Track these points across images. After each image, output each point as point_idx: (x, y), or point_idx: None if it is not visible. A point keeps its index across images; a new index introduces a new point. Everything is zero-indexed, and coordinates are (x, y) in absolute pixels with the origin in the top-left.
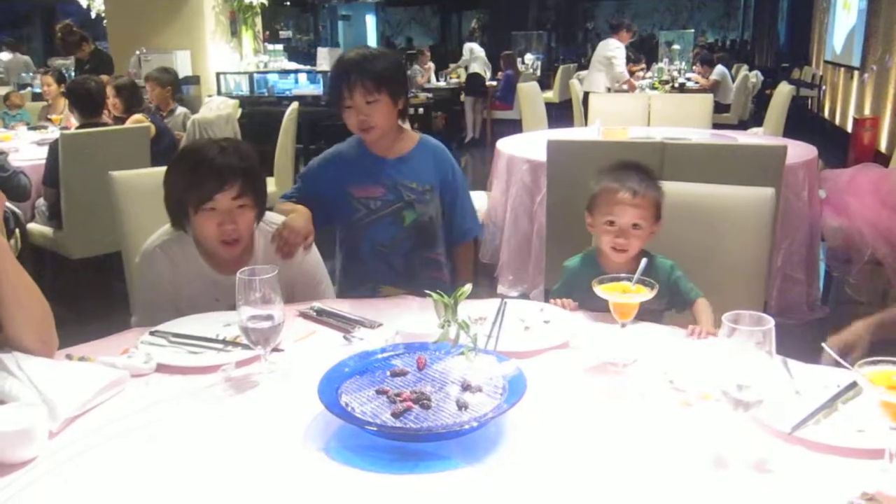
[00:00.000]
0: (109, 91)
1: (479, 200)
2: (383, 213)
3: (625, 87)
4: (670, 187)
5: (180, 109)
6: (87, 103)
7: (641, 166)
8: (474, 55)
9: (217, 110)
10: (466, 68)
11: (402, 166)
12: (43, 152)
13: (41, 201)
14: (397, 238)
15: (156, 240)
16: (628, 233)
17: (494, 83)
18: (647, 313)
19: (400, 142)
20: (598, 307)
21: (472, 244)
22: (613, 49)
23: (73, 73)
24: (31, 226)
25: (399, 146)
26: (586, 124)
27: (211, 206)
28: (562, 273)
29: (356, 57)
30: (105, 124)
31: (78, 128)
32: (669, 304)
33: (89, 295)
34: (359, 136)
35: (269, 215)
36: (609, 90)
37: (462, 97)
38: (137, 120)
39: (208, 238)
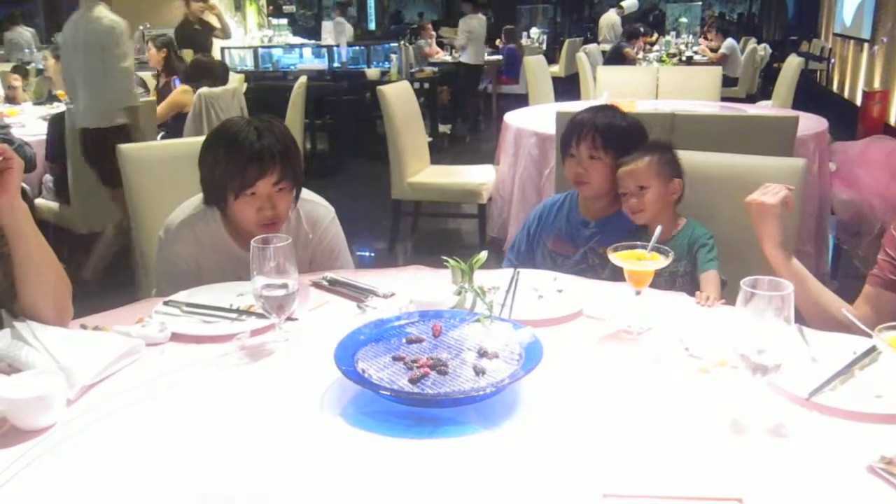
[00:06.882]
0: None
1: (487, 174)
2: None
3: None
4: (698, 157)
5: None
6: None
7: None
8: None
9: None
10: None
11: (599, 232)
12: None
13: (48, 177)
14: None
15: (181, 215)
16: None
17: (495, 58)
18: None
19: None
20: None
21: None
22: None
23: None
24: (39, 201)
25: (606, 208)
26: (594, 97)
27: (251, 191)
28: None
29: (597, 110)
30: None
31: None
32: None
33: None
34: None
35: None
36: None
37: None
38: (184, 90)
39: (247, 222)
